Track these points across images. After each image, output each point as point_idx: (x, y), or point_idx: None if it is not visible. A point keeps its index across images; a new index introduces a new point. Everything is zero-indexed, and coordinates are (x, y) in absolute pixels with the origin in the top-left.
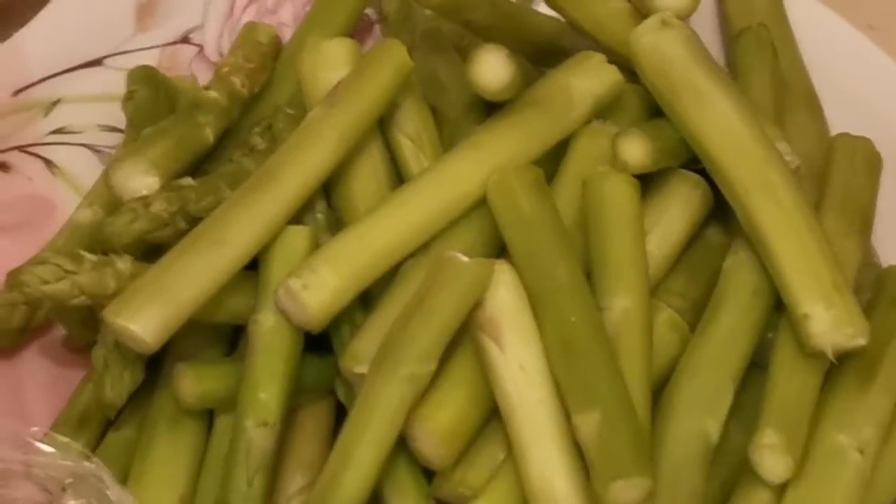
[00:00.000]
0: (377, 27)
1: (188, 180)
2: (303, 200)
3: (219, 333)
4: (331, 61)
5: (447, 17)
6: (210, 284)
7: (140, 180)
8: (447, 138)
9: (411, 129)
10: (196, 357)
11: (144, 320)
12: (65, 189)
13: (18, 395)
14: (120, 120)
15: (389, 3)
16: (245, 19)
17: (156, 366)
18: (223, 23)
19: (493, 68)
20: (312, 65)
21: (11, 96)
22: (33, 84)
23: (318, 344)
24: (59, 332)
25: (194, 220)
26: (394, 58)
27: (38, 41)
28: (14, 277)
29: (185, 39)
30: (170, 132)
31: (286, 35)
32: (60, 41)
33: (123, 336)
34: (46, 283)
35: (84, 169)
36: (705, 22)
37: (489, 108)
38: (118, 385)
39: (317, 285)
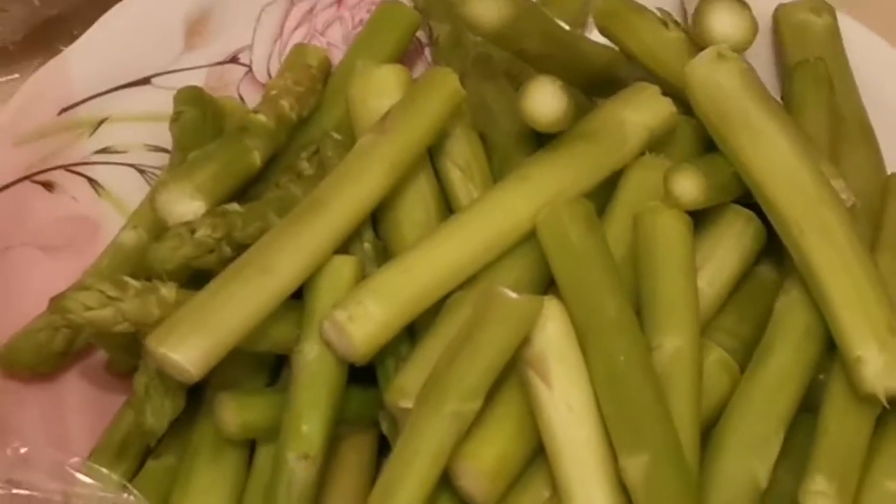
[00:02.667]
0: (427, 51)
1: (234, 206)
2: (351, 230)
3: (261, 362)
4: (381, 88)
5: (500, 44)
6: (255, 314)
7: (186, 205)
8: (497, 168)
9: (461, 158)
10: (238, 386)
11: (188, 350)
12: (109, 209)
13: (59, 418)
14: (166, 140)
15: (440, 28)
16: (294, 40)
17: (197, 393)
18: (272, 43)
19: (545, 100)
20: (363, 91)
21: (57, 115)
22: (79, 102)
23: (362, 375)
24: (101, 355)
25: (240, 247)
26: (445, 86)
27: (85, 59)
28: (57, 303)
29: (233, 59)
30: (216, 156)
31: (335, 56)
32: (108, 59)
33: (166, 365)
34: (90, 309)
35: (129, 189)
36: (760, 54)
37: (540, 138)
38: (159, 413)
39: (363, 318)
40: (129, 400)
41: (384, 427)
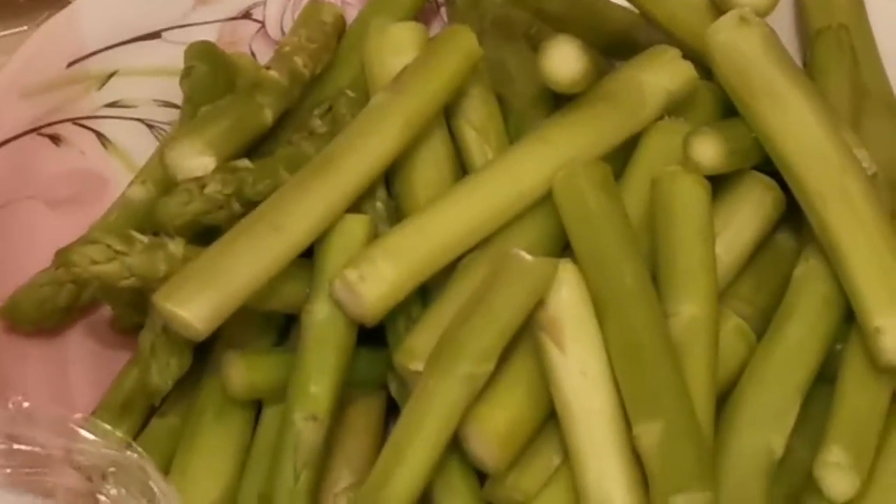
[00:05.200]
0: (443, 11)
1: (245, 162)
2: (363, 188)
3: (269, 321)
4: (397, 45)
5: (519, 4)
6: (264, 271)
7: (195, 160)
8: (513, 129)
9: (477, 119)
10: (245, 345)
11: (195, 306)
12: (117, 164)
13: (62, 375)
14: (176, 95)
15: None
16: None
17: (203, 352)
18: None
19: (565, 60)
20: (378, 48)
21: (66, 67)
22: (88, 55)
23: (371, 336)
24: (106, 312)
25: (250, 204)
26: (463, 44)
27: (94, 12)
28: (63, 256)
29: (246, 15)
30: (227, 112)
31: (350, 14)
32: (118, 12)
33: (173, 321)
34: (96, 263)
35: (138, 144)
36: (782, 20)
37: (557, 100)
38: (165, 371)
39: (374, 277)
40: (133, 358)
41: (393, 389)
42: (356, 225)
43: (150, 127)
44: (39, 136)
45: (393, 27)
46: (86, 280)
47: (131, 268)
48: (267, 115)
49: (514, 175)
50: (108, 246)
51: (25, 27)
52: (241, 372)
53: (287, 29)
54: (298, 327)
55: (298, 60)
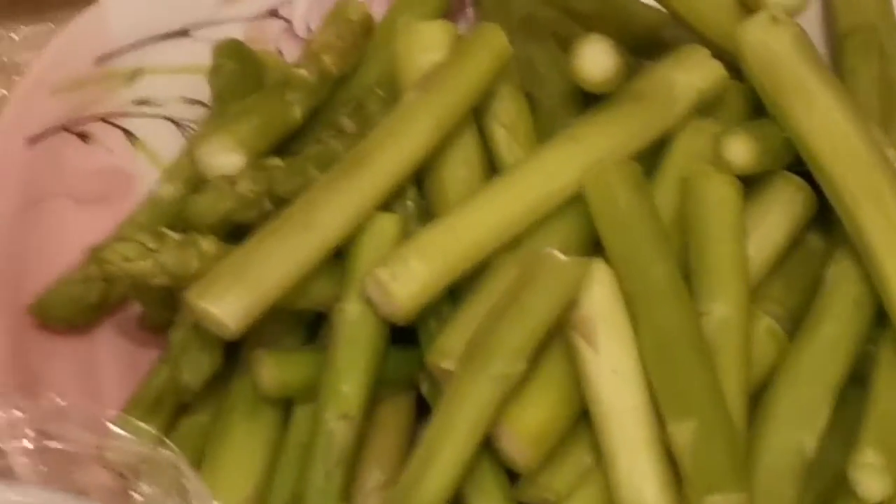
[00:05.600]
0: (470, 11)
1: (275, 160)
2: (395, 187)
3: (299, 320)
4: (427, 44)
5: (547, 3)
6: (296, 270)
7: (225, 158)
8: (542, 129)
9: (506, 118)
10: (275, 343)
11: (228, 304)
12: (145, 162)
13: (92, 373)
14: (204, 93)
15: None
16: None
17: (232, 350)
18: None
19: (597, 59)
20: (408, 46)
21: (94, 65)
22: (116, 53)
23: (401, 336)
24: (135, 310)
25: (280, 202)
26: (493, 43)
27: (122, 9)
28: (96, 253)
29: (273, 13)
30: (257, 109)
31: (377, 13)
32: (146, 9)
33: (205, 320)
34: (128, 260)
35: (165, 142)
36: (810, 20)
37: (586, 99)
38: (195, 369)
39: (406, 276)
40: (163, 355)
41: (424, 389)
42: (387, 224)
43: (177, 125)
44: (68, 134)
45: (422, 25)
46: (118, 277)
47: (164, 265)
48: (296, 113)
49: (545, 174)
50: (141, 243)
51: (52, 25)
52: (272, 370)
53: (313, 27)
54: (328, 325)
55: (327, 58)
